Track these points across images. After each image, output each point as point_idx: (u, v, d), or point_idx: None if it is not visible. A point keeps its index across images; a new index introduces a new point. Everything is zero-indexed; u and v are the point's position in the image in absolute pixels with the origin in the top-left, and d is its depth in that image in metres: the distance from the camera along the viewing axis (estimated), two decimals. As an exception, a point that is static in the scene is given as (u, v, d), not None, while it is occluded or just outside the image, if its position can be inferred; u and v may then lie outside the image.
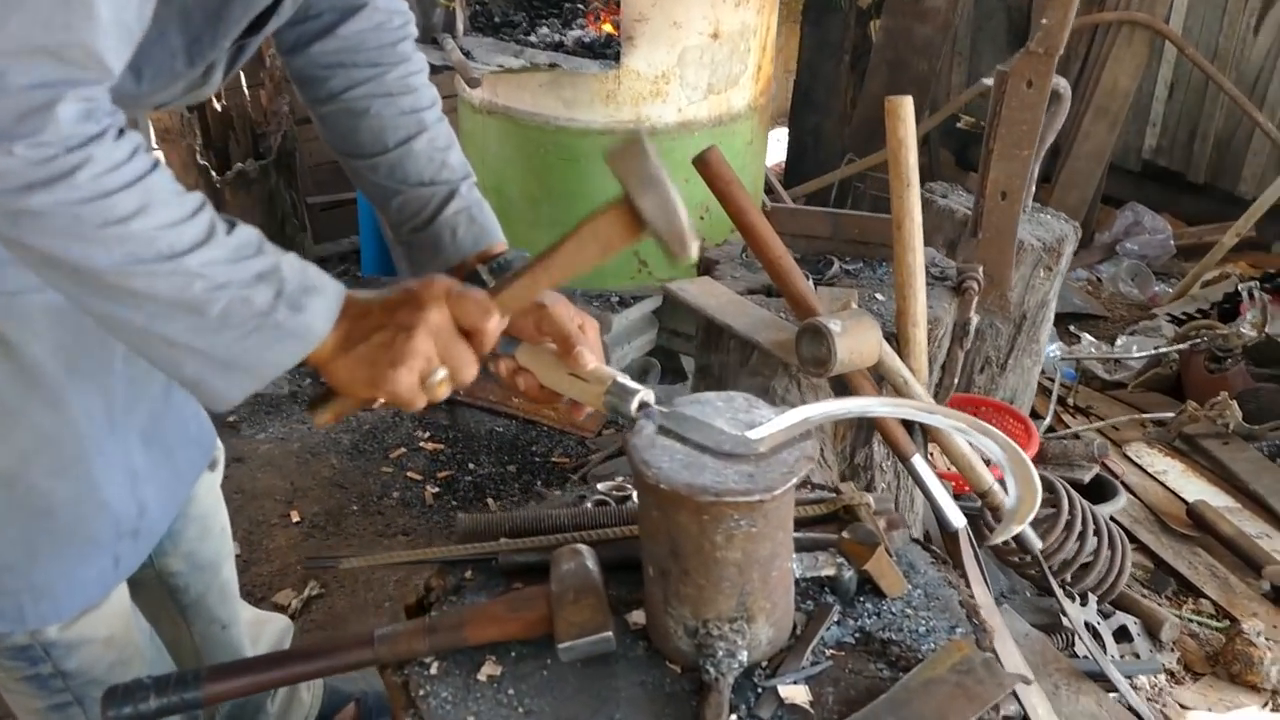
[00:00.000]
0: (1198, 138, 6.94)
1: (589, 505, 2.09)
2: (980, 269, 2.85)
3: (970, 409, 3.66)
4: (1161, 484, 3.97)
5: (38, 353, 1.69)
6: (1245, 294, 4.94)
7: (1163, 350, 4.91)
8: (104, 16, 1.22)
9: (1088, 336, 5.38)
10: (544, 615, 1.70)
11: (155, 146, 5.29)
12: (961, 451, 2.57)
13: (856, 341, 2.37)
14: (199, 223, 1.33)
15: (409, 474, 4.05)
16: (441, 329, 1.49)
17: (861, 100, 6.78)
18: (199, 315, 1.33)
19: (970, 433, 1.74)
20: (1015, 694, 2.34)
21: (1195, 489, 3.93)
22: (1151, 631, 3.15)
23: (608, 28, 4.73)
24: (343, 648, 1.73)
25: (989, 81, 3.09)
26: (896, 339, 2.59)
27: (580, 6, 5.02)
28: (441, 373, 1.52)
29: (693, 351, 3.73)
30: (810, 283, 2.59)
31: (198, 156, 5.19)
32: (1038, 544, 2.70)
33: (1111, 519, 3.43)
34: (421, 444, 4.26)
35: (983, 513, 2.85)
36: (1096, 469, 3.66)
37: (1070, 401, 4.71)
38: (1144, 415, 4.50)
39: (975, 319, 2.81)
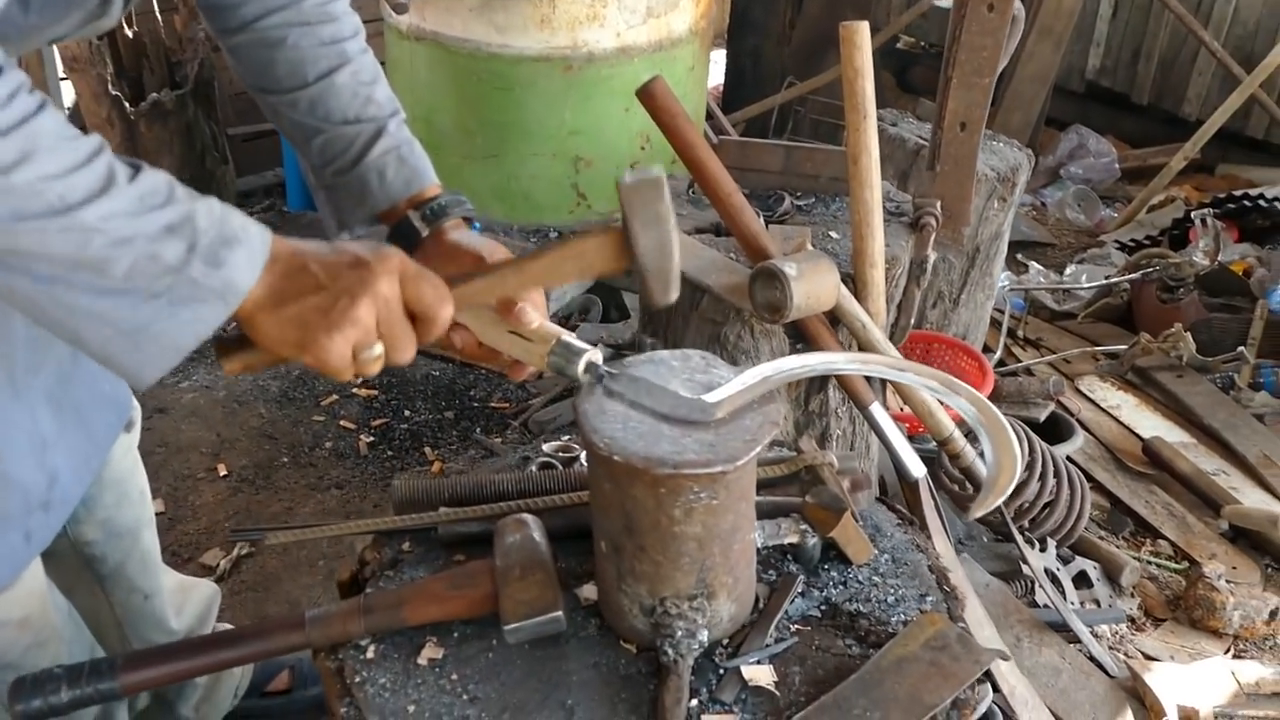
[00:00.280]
0: (1142, 57, 6.87)
1: (534, 469, 1.96)
2: (938, 204, 2.74)
3: (923, 346, 3.57)
4: (1115, 419, 3.91)
5: None
6: (1198, 221, 4.87)
7: (1113, 280, 4.84)
8: None
9: (1036, 265, 5.30)
10: (488, 593, 1.59)
11: (63, 77, 5.03)
12: (921, 398, 2.47)
13: (813, 285, 2.25)
14: (95, 170, 1.16)
15: (342, 423, 3.90)
16: (389, 303, 1.34)
17: (801, 21, 6.61)
18: (100, 276, 1.17)
19: (943, 391, 1.61)
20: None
21: (1150, 424, 3.87)
22: (1111, 576, 3.10)
23: (541, -55, 4.51)
24: (271, 631, 1.61)
25: (943, 3, 2.96)
26: (853, 280, 2.47)
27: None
28: (378, 349, 1.36)
29: (636, 288, 3.59)
30: (762, 221, 2.46)
31: (109, 86, 4.93)
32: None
33: (1069, 459, 3.36)
34: (354, 390, 4.10)
35: (940, 457, 2.76)
36: (1052, 407, 3.58)
37: (1020, 334, 4.63)
38: (1096, 348, 4.44)
39: (932, 256, 2.70)
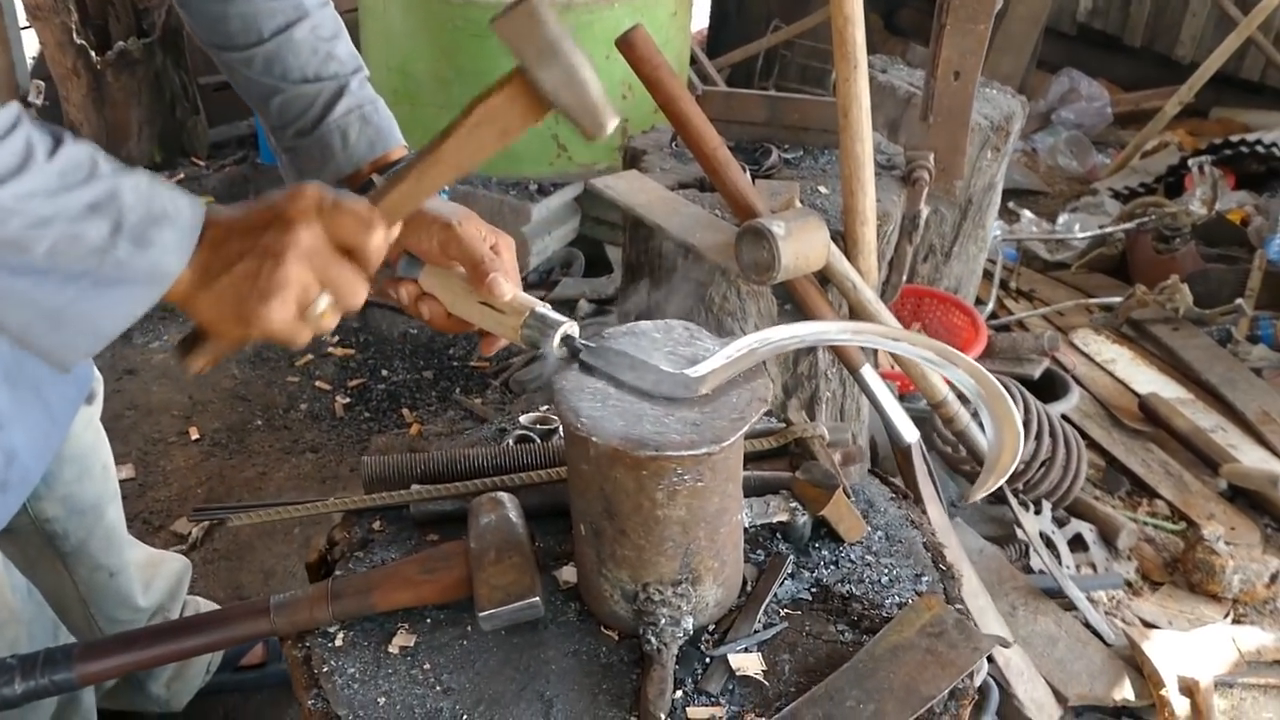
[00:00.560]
0: (1134, -2, 6.75)
1: (510, 443, 1.88)
2: (931, 156, 2.64)
3: (914, 302, 3.49)
4: (1110, 374, 3.84)
5: None
6: (1194, 169, 4.77)
7: (1108, 230, 4.75)
8: None
9: (1028, 214, 5.20)
10: (462, 577, 1.53)
11: (25, 26, 4.89)
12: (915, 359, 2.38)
13: (802, 245, 2.15)
14: (10, 147, 1.07)
15: (317, 383, 3.80)
16: (316, 250, 1.23)
17: (786, -37, 6.50)
18: (18, 257, 1.08)
19: (940, 363, 1.53)
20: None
21: (1146, 379, 3.80)
22: (1108, 539, 3.04)
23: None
24: (234, 619, 1.55)
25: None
26: (844, 238, 2.38)
27: None
28: (324, 301, 1.26)
29: (619, 240, 3.50)
30: (748, 175, 2.36)
31: (74, 35, 4.79)
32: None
33: (1064, 417, 3.29)
34: (330, 349, 4.00)
35: (933, 417, 2.69)
36: (1046, 363, 3.50)
37: (1012, 285, 4.55)
38: (1090, 300, 4.36)
39: (925, 210, 2.60)
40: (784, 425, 1.83)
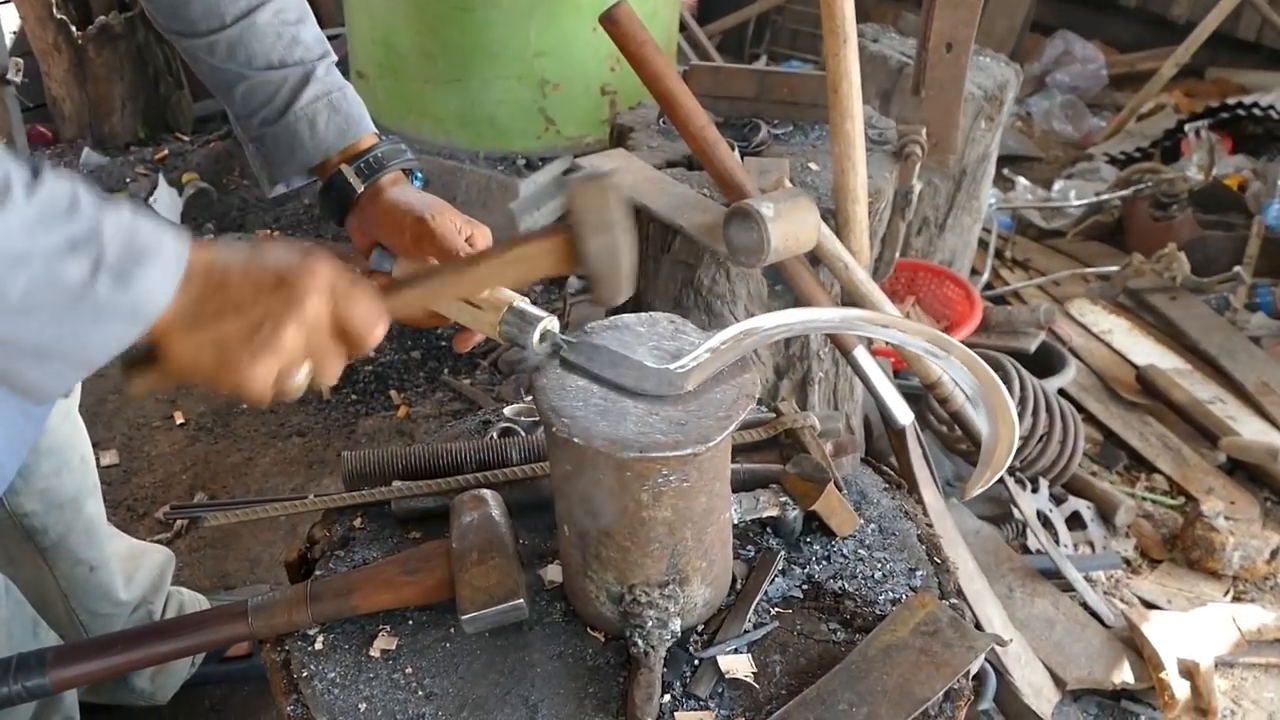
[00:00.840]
0: (1128, -44, 6.68)
1: (494, 436, 1.84)
2: (924, 130, 2.58)
3: (908, 276, 3.44)
4: (1107, 345, 3.79)
5: None
6: (1191, 134, 4.71)
7: (1104, 197, 4.69)
8: None
9: (1022, 181, 5.14)
10: (444, 579, 1.51)
11: (4, 0, 4.82)
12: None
13: (792, 226, 2.10)
14: None
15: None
16: (317, 327, 1.20)
17: (777, -72, 6.42)
18: None
19: (934, 350, 1.48)
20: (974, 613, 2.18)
21: (1143, 350, 3.75)
22: (1106, 516, 3.00)
23: None
24: (211, 622, 1.52)
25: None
26: (835, 216, 2.33)
27: None
28: (302, 373, 1.24)
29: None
30: (736, 153, 2.31)
31: (54, 10, 4.74)
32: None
33: (1061, 392, 3.25)
34: (317, 329, 3.92)
35: (927, 396, 2.64)
36: (1042, 336, 3.45)
37: (1007, 254, 4.50)
38: (1087, 269, 4.31)
39: (918, 186, 2.55)
40: (773, 415, 1.79)
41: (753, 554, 1.61)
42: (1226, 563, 2.84)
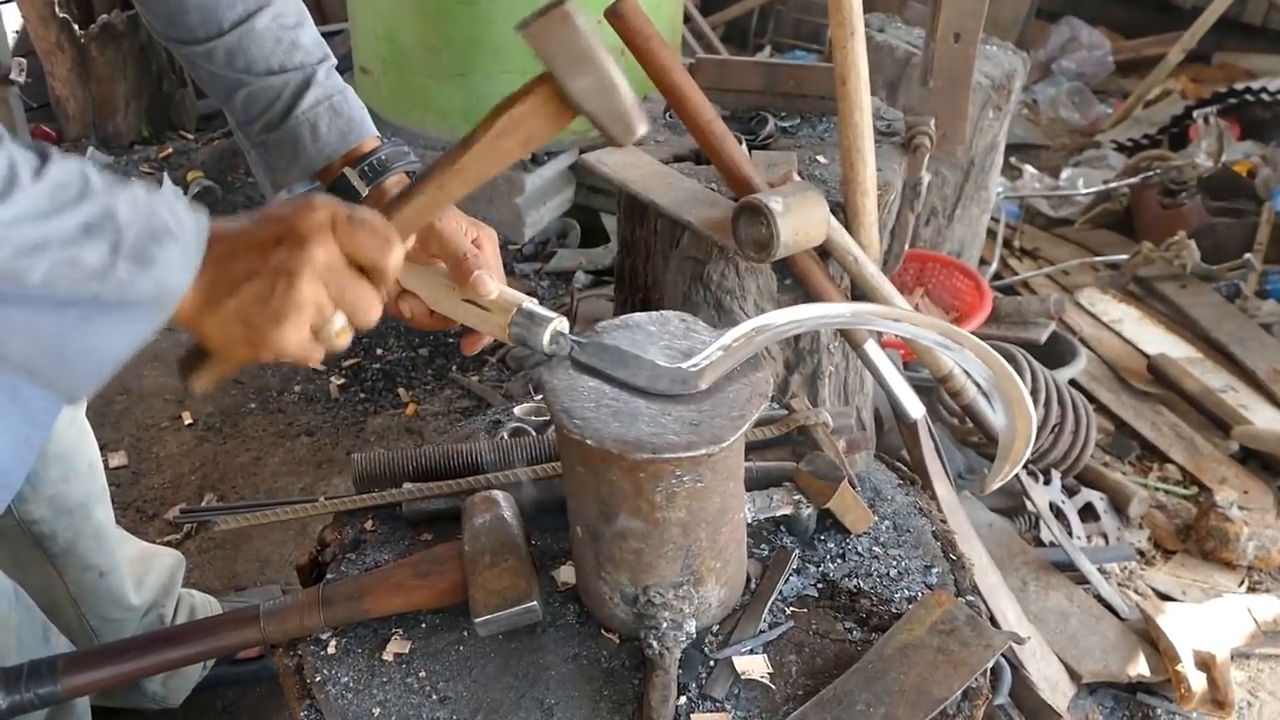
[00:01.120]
0: (1133, -61, 6.65)
1: (504, 436, 1.83)
2: (932, 121, 2.56)
3: (917, 267, 3.43)
4: (1118, 334, 3.77)
5: None
6: (1200, 120, 4.68)
7: (1112, 185, 4.67)
8: None
9: (1030, 169, 5.12)
10: (456, 582, 1.50)
11: (6, 0, 4.81)
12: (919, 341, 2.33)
13: (801, 221, 2.09)
14: None
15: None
16: (331, 268, 1.16)
17: (781, -82, 6.39)
18: (15, 288, 1.01)
19: (946, 344, 1.46)
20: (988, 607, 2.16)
21: (1154, 339, 3.73)
22: (1119, 507, 2.98)
23: None
24: (222, 628, 1.51)
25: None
26: (844, 210, 2.31)
27: None
28: (339, 320, 1.21)
29: (615, 210, 3.43)
30: (744, 146, 2.29)
31: (56, 9, 4.72)
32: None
33: (1072, 382, 3.23)
34: (324, 329, 3.91)
35: (938, 389, 2.63)
36: (1053, 326, 3.44)
37: (1016, 244, 4.47)
38: (1096, 258, 4.28)
39: (927, 177, 2.53)
40: (786, 412, 1.78)
41: (767, 553, 1.60)
42: (1241, 553, 2.82)
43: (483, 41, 4.05)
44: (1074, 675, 2.43)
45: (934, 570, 1.58)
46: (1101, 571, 2.71)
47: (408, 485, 1.69)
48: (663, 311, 1.48)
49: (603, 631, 1.48)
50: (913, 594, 1.53)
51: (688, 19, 5.41)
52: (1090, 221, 4.72)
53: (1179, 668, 2.42)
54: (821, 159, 2.53)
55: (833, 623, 1.50)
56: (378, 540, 1.67)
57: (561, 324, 1.36)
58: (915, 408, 2.31)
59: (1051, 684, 2.35)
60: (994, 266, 4.21)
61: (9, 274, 1.00)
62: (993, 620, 2.19)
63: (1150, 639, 2.52)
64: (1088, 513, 2.99)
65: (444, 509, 1.67)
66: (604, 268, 4.13)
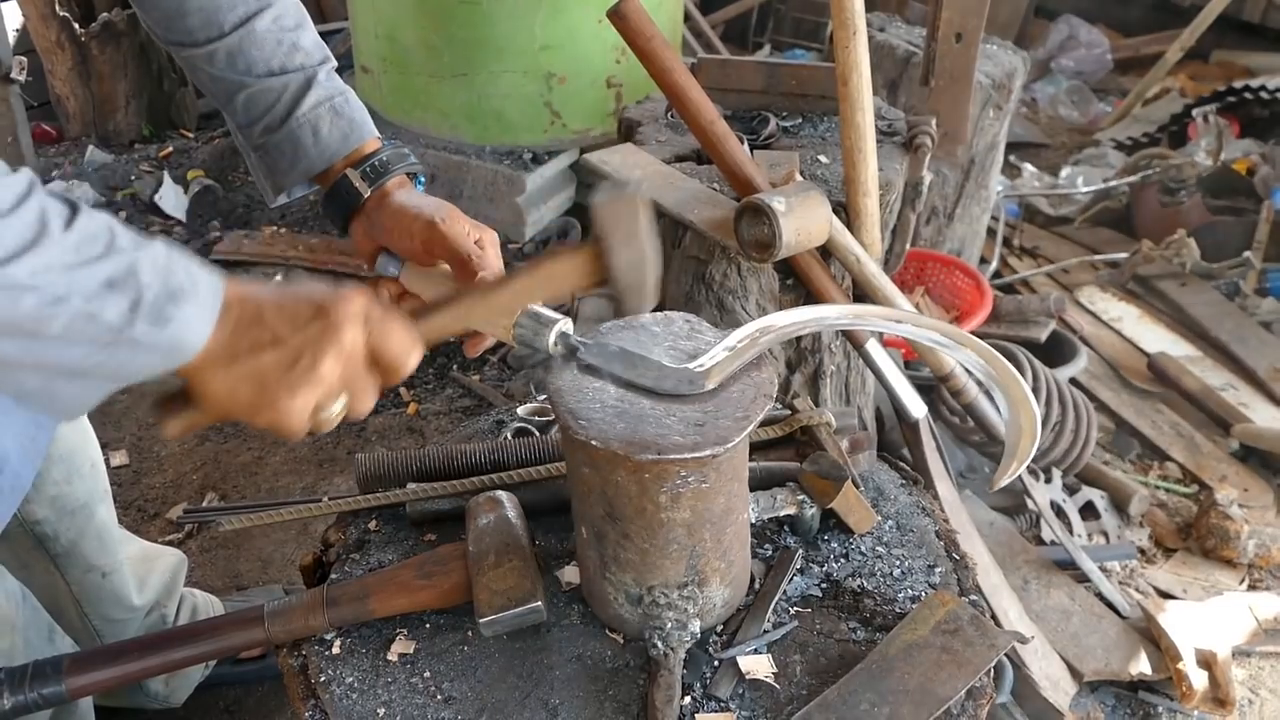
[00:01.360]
0: (1132, -62, 6.65)
1: (508, 436, 1.83)
2: (933, 121, 2.56)
3: (918, 266, 3.43)
4: (1118, 333, 3.78)
5: None
6: (1199, 118, 4.69)
7: (1112, 183, 4.67)
8: None
9: (1029, 167, 5.12)
10: (461, 582, 1.50)
11: None
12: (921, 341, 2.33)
13: (803, 221, 2.09)
14: (25, 217, 1.00)
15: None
16: (353, 357, 1.20)
17: (780, -82, 6.39)
18: (32, 337, 1.02)
19: (947, 344, 1.47)
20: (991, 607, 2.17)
21: (1154, 337, 3.74)
22: (1119, 505, 2.99)
23: None
24: (227, 628, 1.51)
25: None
26: (845, 209, 2.31)
27: None
28: (340, 404, 1.24)
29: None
30: (746, 146, 2.29)
31: (57, 7, 4.72)
32: (1000, 425, 2.48)
33: (1072, 381, 3.23)
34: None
35: (939, 388, 2.63)
36: (1053, 325, 3.44)
37: (1016, 242, 4.47)
38: (1096, 256, 4.28)
39: (928, 177, 2.53)
40: (789, 413, 1.78)
41: (771, 553, 1.61)
42: (1241, 551, 2.83)
43: (484, 41, 4.05)
44: (1076, 673, 2.43)
45: (937, 570, 1.58)
46: (1103, 570, 2.71)
47: (411, 485, 1.69)
48: (667, 313, 1.48)
49: (607, 632, 1.48)
50: (916, 594, 1.54)
51: (687, 18, 5.41)
52: (1090, 220, 4.72)
53: (1180, 666, 2.43)
54: (823, 159, 2.53)
55: (836, 622, 1.50)
56: (382, 540, 1.67)
57: (566, 325, 1.37)
58: (917, 407, 2.32)
59: (1053, 682, 2.36)
60: (994, 265, 4.22)
61: (29, 325, 1.01)
62: (995, 619, 2.19)
63: (1151, 637, 2.52)
64: (1089, 511, 2.99)
65: (448, 509, 1.67)
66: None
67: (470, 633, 1.48)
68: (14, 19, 4.96)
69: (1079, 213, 4.76)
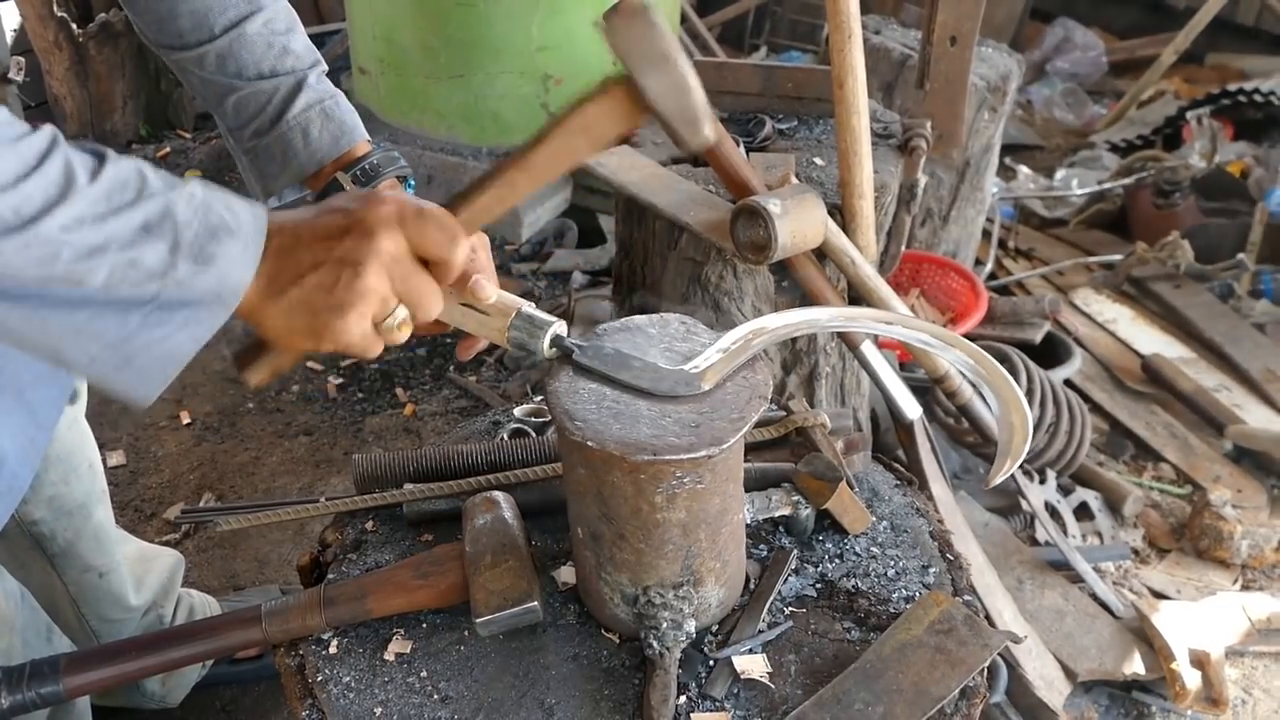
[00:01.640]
0: (1127, -59, 6.67)
1: (504, 437, 1.83)
2: (928, 124, 2.57)
3: (913, 267, 3.44)
4: (1112, 334, 3.79)
5: None
6: (1193, 121, 4.70)
7: (1106, 185, 4.68)
8: None
9: (1024, 169, 5.14)
10: (457, 582, 1.51)
11: None
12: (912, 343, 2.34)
13: (799, 223, 2.10)
14: (49, 173, 1.00)
15: (309, 364, 3.72)
16: (397, 260, 1.18)
17: (776, -81, 6.40)
18: (75, 290, 1.02)
19: (937, 345, 1.48)
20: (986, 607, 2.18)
21: (1148, 338, 3.75)
22: (1113, 506, 3.00)
23: None
24: (224, 628, 1.52)
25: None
26: (841, 212, 2.32)
27: None
28: (401, 313, 1.22)
29: (613, 210, 3.44)
30: (742, 148, 2.30)
31: (54, 7, 4.70)
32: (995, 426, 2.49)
33: (1067, 382, 3.24)
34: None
35: (934, 389, 2.64)
36: (1048, 326, 3.45)
37: (1010, 244, 4.48)
38: (1090, 258, 4.30)
39: (923, 179, 2.54)
40: (784, 414, 1.79)
41: (766, 553, 1.61)
42: (1235, 551, 2.84)
43: (481, 42, 4.05)
44: (1070, 673, 2.44)
45: (931, 570, 1.59)
46: (1097, 570, 2.72)
47: (408, 486, 1.69)
48: (663, 314, 1.49)
49: (603, 631, 1.49)
50: (910, 594, 1.54)
51: (684, 19, 5.42)
52: (1084, 222, 4.74)
53: (1174, 665, 2.44)
54: (819, 161, 2.54)
55: (831, 622, 1.51)
56: (379, 541, 1.67)
57: (560, 327, 1.37)
58: (912, 408, 2.32)
59: (1047, 682, 2.37)
60: (989, 267, 4.23)
61: (71, 278, 1.00)
62: (989, 619, 2.20)
63: (1145, 637, 2.53)
64: (1083, 512, 3.00)
65: (445, 510, 1.67)
66: (601, 268, 4.14)
67: (467, 632, 1.48)
68: (12, 19, 4.95)
69: (1074, 215, 4.78)
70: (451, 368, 3.66)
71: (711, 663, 1.44)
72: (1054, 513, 2.91)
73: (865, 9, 2.56)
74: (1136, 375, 3.58)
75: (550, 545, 1.64)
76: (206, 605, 2.49)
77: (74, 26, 4.82)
